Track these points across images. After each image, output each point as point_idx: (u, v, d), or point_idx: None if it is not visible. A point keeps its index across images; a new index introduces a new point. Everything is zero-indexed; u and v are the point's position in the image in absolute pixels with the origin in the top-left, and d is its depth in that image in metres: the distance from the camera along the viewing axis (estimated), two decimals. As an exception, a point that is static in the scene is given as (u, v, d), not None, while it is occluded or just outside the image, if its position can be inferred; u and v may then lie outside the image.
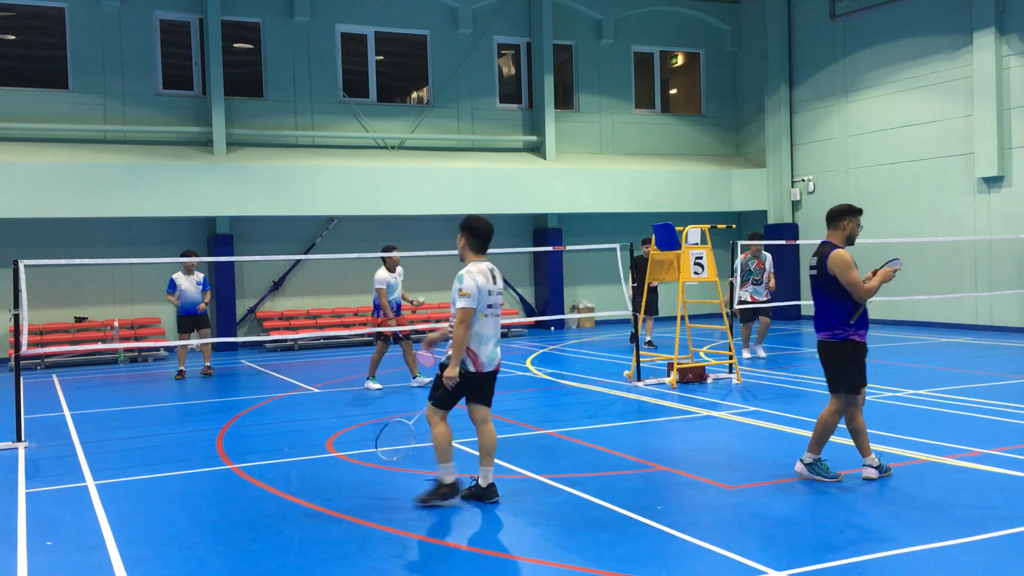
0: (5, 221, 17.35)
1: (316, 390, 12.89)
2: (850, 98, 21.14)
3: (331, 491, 7.19)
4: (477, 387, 6.67)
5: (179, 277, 14.64)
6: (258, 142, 19.59)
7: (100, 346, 13.53)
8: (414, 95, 21.84)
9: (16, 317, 9.50)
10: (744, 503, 6.59)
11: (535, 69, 21.79)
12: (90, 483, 7.69)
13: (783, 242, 16.09)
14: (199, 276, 14.85)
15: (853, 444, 7.23)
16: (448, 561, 5.62)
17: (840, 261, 6.87)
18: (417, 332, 15.21)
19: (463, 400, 6.77)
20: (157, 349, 17.80)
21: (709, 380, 12.33)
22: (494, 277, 6.71)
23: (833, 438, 7.41)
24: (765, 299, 14.58)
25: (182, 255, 14.72)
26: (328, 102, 20.21)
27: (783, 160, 22.63)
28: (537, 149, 21.88)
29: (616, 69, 22.92)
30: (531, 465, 7.81)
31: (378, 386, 12.74)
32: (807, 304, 19.34)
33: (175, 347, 16.13)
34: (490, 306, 6.64)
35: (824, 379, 7.19)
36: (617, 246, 13.90)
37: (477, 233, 6.74)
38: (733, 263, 14.79)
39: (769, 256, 14.79)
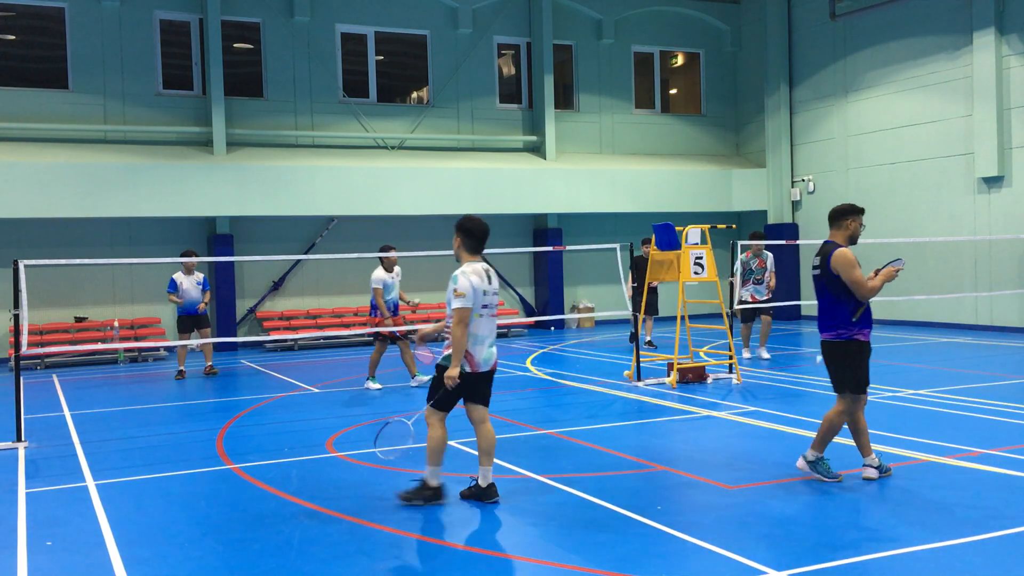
0: (5, 221, 17.35)
1: (316, 390, 12.89)
2: (850, 98, 21.14)
3: (331, 491, 7.19)
4: (474, 387, 6.68)
5: (179, 277, 14.64)
6: (258, 142, 19.59)
7: (100, 346, 13.53)
8: (414, 95, 21.84)
9: (16, 317, 9.49)
10: (744, 503, 6.59)
11: (535, 69, 21.79)
12: (90, 483, 7.69)
13: (783, 242, 16.08)
14: (199, 276, 14.85)
15: (854, 444, 7.23)
16: (448, 561, 5.62)
17: (843, 259, 6.87)
18: (415, 332, 15.18)
19: (461, 401, 6.78)
20: (157, 349, 17.80)
21: (709, 380, 12.33)
22: (489, 277, 6.72)
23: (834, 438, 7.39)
24: (766, 299, 14.57)
25: (182, 255, 14.73)
26: (328, 102, 20.21)
27: (783, 160, 22.62)
28: (537, 149, 21.88)
29: (616, 69, 22.92)
30: (531, 465, 7.81)
31: (378, 386, 12.74)
32: (807, 304, 19.35)
33: (175, 347, 16.13)
34: (485, 306, 6.64)
35: (826, 379, 7.19)
36: (617, 246, 13.90)
37: (472, 234, 6.74)
38: (733, 263, 14.79)
39: (771, 255, 14.78)
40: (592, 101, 22.69)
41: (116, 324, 17.72)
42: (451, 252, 7.05)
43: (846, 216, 7.13)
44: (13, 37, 18.69)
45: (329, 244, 20.01)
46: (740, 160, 23.82)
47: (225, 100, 18.93)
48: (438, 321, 7.04)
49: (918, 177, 19.65)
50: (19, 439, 9.38)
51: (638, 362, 12.50)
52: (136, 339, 17.90)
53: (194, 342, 14.35)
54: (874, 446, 7.31)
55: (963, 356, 14.73)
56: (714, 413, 10.14)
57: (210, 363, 14.97)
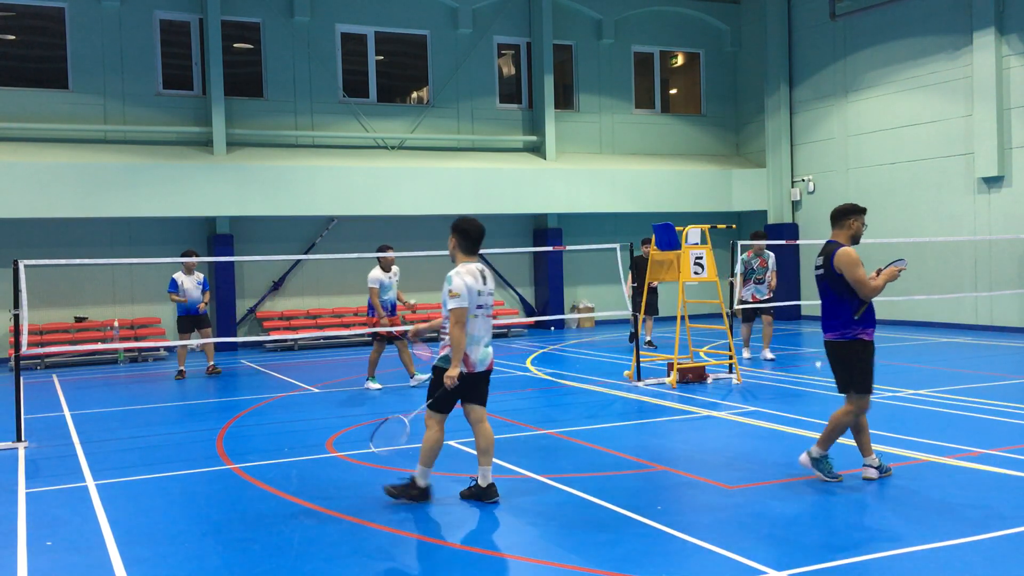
0: (5, 221, 17.35)
1: (316, 390, 12.89)
2: (850, 98, 21.14)
3: (331, 491, 7.19)
4: (470, 387, 6.69)
5: (180, 277, 14.64)
6: (258, 142, 19.59)
7: (100, 346, 13.53)
8: (414, 95, 21.84)
9: (16, 317, 9.49)
10: (744, 503, 6.59)
11: (535, 69, 21.79)
12: (90, 483, 7.69)
13: (783, 242, 16.08)
14: (199, 276, 14.86)
15: (854, 444, 7.23)
16: (448, 561, 5.62)
17: (847, 258, 6.88)
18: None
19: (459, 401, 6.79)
20: (157, 349, 17.80)
21: (709, 380, 12.33)
22: (484, 278, 6.73)
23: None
24: (767, 298, 14.53)
25: (183, 255, 14.73)
26: (328, 102, 20.21)
27: (783, 160, 22.63)
28: (537, 149, 21.88)
29: (616, 69, 22.92)
30: (531, 465, 7.81)
31: (378, 386, 12.74)
32: (807, 304, 19.36)
33: (175, 347, 16.13)
34: (480, 307, 6.66)
35: (826, 379, 7.19)
36: (617, 246, 13.90)
37: (468, 235, 6.75)
38: (733, 263, 14.78)
39: (772, 255, 14.74)
40: (592, 101, 22.69)
41: (116, 324, 17.72)
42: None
43: (848, 216, 7.13)
44: (13, 37, 18.69)
45: (329, 244, 20.01)
46: (740, 160, 23.82)
47: (225, 100, 18.93)
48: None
49: (918, 177, 19.65)
50: (19, 439, 9.38)
51: (638, 362, 12.50)
52: (136, 339, 17.90)
53: (194, 342, 14.35)
54: (874, 446, 7.31)
55: (963, 356, 14.73)
56: (714, 413, 10.14)
57: (212, 363, 14.98)
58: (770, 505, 6.48)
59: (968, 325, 18.73)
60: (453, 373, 6.48)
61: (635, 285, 14.21)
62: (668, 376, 12.25)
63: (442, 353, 6.65)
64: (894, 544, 5.57)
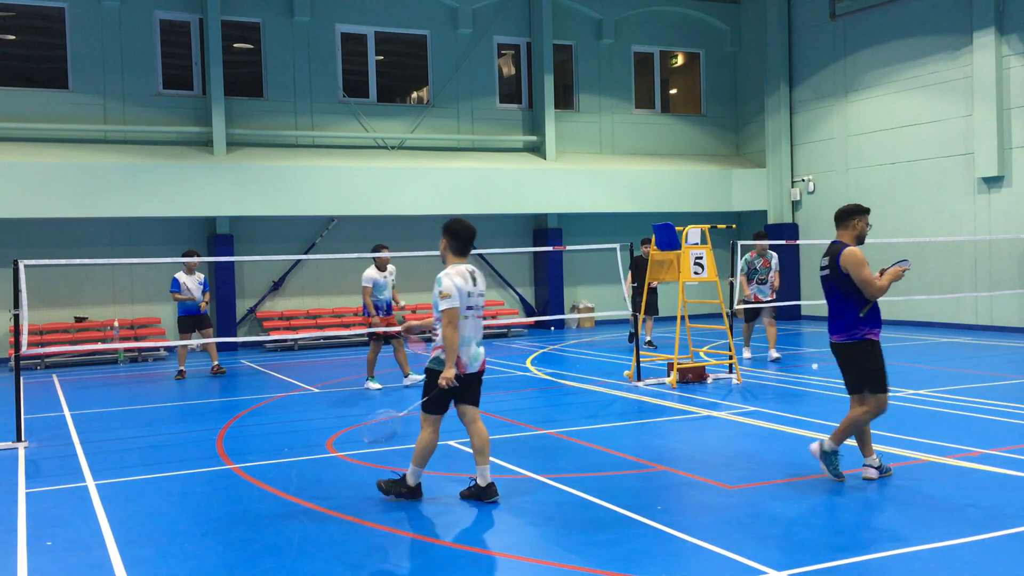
0: (5, 221, 17.35)
1: (316, 390, 12.89)
2: (850, 98, 21.14)
3: (331, 491, 7.19)
4: (463, 388, 6.70)
5: (182, 276, 14.64)
6: (258, 142, 19.60)
7: (100, 346, 13.53)
8: (414, 95, 21.84)
9: (16, 317, 9.50)
10: (744, 503, 6.59)
11: (535, 69, 21.79)
12: (90, 483, 7.69)
13: (783, 242, 16.07)
14: (200, 276, 14.86)
15: (854, 443, 7.23)
16: (448, 561, 5.62)
17: (853, 258, 6.87)
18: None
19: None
20: (157, 349, 17.80)
21: (709, 380, 12.33)
22: (474, 279, 6.75)
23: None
24: (769, 299, 14.49)
25: (184, 255, 14.73)
26: (328, 102, 20.21)
27: (783, 160, 22.63)
28: (537, 149, 21.88)
29: (616, 69, 22.92)
30: (531, 465, 7.81)
31: (378, 386, 12.74)
32: (807, 304, 19.38)
33: (175, 347, 16.13)
34: (470, 308, 6.67)
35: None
36: (617, 246, 13.90)
37: (458, 236, 6.78)
38: (733, 263, 14.77)
39: (775, 255, 14.69)
40: (592, 101, 22.69)
41: (116, 324, 17.72)
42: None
43: (852, 216, 7.13)
44: (13, 37, 18.69)
45: (329, 244, 20.01)
46: (740, 160, 23.82)
47: (225, 100, 18.93)
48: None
49: (918, 177, 19.65)
50: (19, 439, 9.38)
51: (638, 362, 12.50)
52: (136, 339, 17.90)
53: (194, 342, 14.35)
54: (875, 446, 7.31)
55: (963, 356, 14.73)
56: (714, 413, 10.14)
57: (216, 362, 14.99)
58: (770, 505, 6.48)
59: (968, 325, 18.73)
60: (448, 374, 6.49)
61: (635, 285, 14.22)
62: (668, 376, 12.25)
63: (434, 354, 6.67)
64: (895, 544, 5.57)
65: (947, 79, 18.94)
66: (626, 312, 13.90)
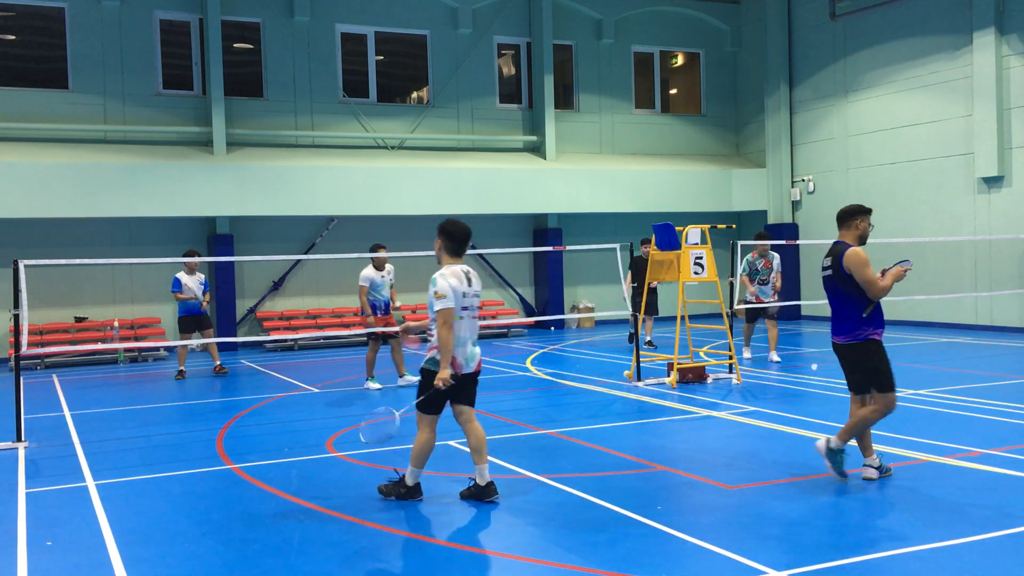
0: (5, 221, 17.35)
1: (316, 390, 12.90)
2: (850, 98, 21.14)
3: (331, 491, 7.19)
4: (459, 388, 6.70)
5: (183, 276, 14.64)
6: (258, 142, 19.60)
7: (100, 346, 13.53)
8: (414, 95, 21.84)
9: (16, 317, 9.50)
10: (744, 503, 6.59)
11: (535, 69, 21.79)
12: (90, 483, 7.69)
13: (783, 242, 16.07)
14: (200, 276, 14.86)
15: (855, 444, 7.23)
16: (448, 561, 5.62)
17: (856, 258, 6.87)
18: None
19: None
20: (157, 349, 17.80)
21: (709, 380, 12.33)
22: (469, 279, 6.76)
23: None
24: (771, 300, 14.45)
25: (185, 255, 14.72)
26: (328, 102, 20.21)
27: (783, 160, 22.63)
28: (537, 149, 21.88)
29: (616, 69, 22.92)
30: (531, 465, 7.81)
31: (378, 386, 12.75)
32: (807, 304, 19.37)
33: (175, 347, 16.14)
34: (465, 308, 6.68)
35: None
36: (617, 246, 13.90)
37: (453, 236, 6.80)
38: (733, 263, 14.75)
39: (777, 256, 14.63)
40: (592, 101, 22.69)
41: (116, 324, 17.72)
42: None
43: (855, 216, 7.13)
44: (13, 37, 18.69)
45: (329, 244, 20.01)
46: (740, 160, 23.82)
47: (225, 100, 18.93)
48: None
49: (918, 177, 19.65)
50: (19, 439, 9.39)
51: (638, 362, 12.50)
52: (136, 339, 17.90)
53: (195, 342, 14.35)
54: (875, 446, 7.32)
55: (963, 356, 14.73)
56: (714, 413, 10.14)
57: (219, 362, 14.99)
58: (770, 505, 6.48)
59: (968, 325, 18.73)
60: (444, 375, 6.50)
61: (635, 285, 14.22)
62: (668, 376, 12.25)
63: (429, 355, 6.67)
64: (895, 544, 5.57)
65: (947, 79, 18.94)
66: (626, 312, 13.90)
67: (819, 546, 5.59)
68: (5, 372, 14.93)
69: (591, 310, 21.80)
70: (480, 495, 6.70)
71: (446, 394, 6.67)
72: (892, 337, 17.35)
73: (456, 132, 21.32)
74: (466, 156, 21.01)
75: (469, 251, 7.19)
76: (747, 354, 14.67)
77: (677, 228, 12.27)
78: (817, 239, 20.21)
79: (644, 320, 16.26)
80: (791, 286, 21.52)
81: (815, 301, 15.49)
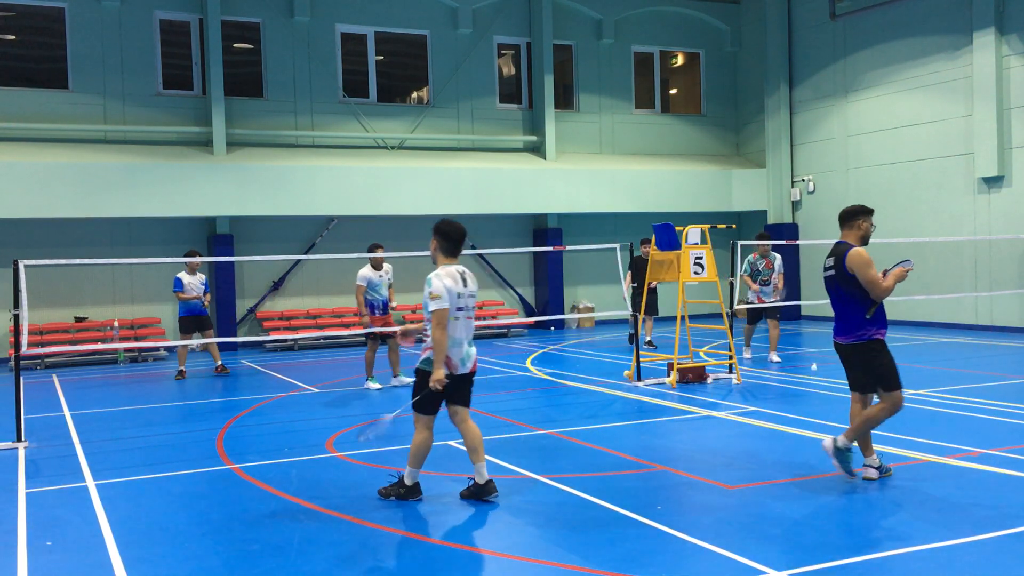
0: (5, 221, 17.35)
1: (316, 390, 12.89)
2: (850, 98, 21.14)
3: (331, 491, 7.19)
4: (453, 389, 6.71)
5: (185, 276, 14.63)
6: (258, 142, 19.60)
7: (100, 346, 13.53)
8: (414, 95, 21.84)
9: (16, 317, 9.49)
10: (744, 503, 6.59)
11: (535, 69, 21.79)
12: (90, 483, 7.69)
13: (783, 242, 16.07)
14: (201, 277, 14.86)
15: (855, 444, 7.22)
16: (448, 561, 5.62)
17: (859, 259, 6.88)
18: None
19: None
20: (157, 349, 17.80)
21: (709, 380, 12.33)
22: (464, 280, 6.75)
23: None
24: (773, 300, 14.41)
25: (186, 255, 14.71)
26: (328, 102, 20.21)
27: (783, 160, 22.63)
28: (537, 149, 21.88)
29: (616, 69, 22.92)
30: (531, 465, 7.81)
31: (378, 386, 12.75)
32: (808, 304, 19.34)
33: (175, 347, 16.13)
34: (460, 308, 6.68)
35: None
36: (617, 246, 13.90)
37: (449, 236, 6.79)
38: (733, 263, 14.74)
39: (779, 257, 14.58)
40: (592, 101, 22.69)
41: (116, 324, 17.72)
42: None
43: (857, 216, 7.14)
44: (13, 37, 18.69)
45: (329, 244, 20.01)
46: (740, 160, 23.82)
47: (225, 100, 18.93)
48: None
49: (918, 177, 19.65)
50: (19, 439, 9.38)
51: (638, 362, 12.50)
52: (136, 339, 17.90)
53: (195, 342, 14.35)
54: (875, 446, 7.31)
55: (963, 356, 14.73)
56: (714, 413, 10.14)
57: (220, 362, 14.99)
58: (770, 505, 6.48)
59: (968, 325, 18.73)
60: (438, 376, 6.50)
61: (635, 285, 14.22)
62: (668, 376, 12.25)
63: (424, 355, 6.68)
64: (895, 544, 5.57)
65: (947, 79, 18.94)
66: (626, 312, 13.90)
67: (819, 546, 5.59)
68: (5, 372, 14.93)
69: (591, 310, 21.80)
70: (479, 493, 6.71)
71: (442, 394, 6.68)
72: (892, 337, 17.28)
73: (456, 132, 21.33)
74: (466, 156, 21.01)
75: (469, 251, 7.21)
76: (747, 354, 14.66)
77: (677, 228, 12.27)
78: (817, 239, 20.21)
79: (644, 320, 16.25)
80: (792, 286, 21.50)
81: (815, 301, 15.49)
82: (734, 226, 15.31)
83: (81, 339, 17.39)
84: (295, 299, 19.94)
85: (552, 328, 21.70)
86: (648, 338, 16.63)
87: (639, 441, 8.87)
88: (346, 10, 20.41)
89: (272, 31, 19.77)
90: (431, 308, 6.54)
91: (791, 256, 21.84)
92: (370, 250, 12.86)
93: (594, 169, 21.56)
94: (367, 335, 13.08)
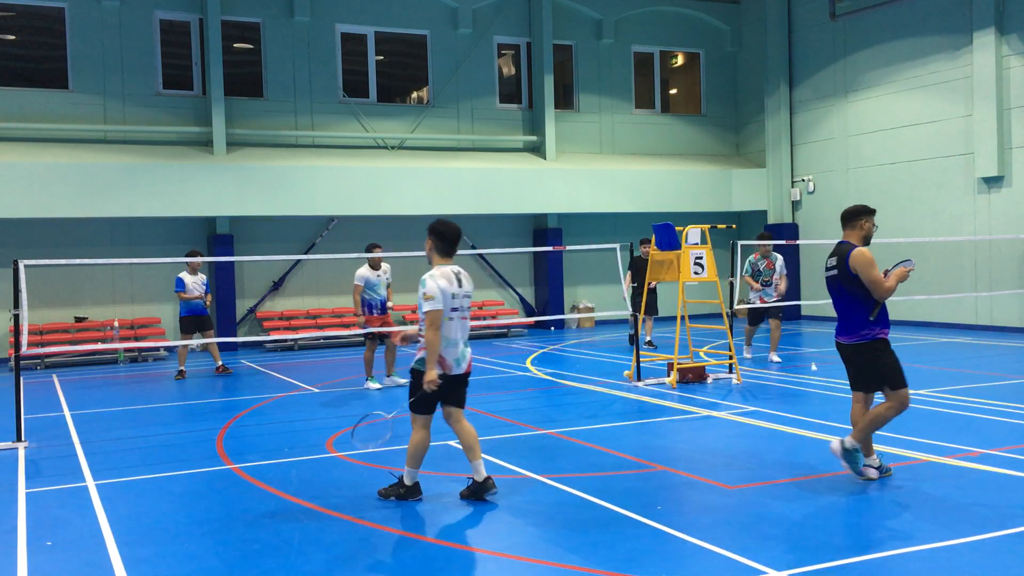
0: (5, 221, 17.35)
1: (316, 390, 12.89)
2: (850, 98, 21.14)
3: (330, 491, 7.19)
4: (448, 389, 6.71)
5: (186, 276, 14.63)
6: (258, 142, 19.60)
7: (100, 346, 13.52)
8: (414, 95, 21.84)
9: (16, 317, 9.49)
10: (744, 503, 6.59)
11: (535, 69, 21.79)
12: (90, 483, 7.69)
13: (783, 242, 16.06)
14: (202, 277, 14.86)
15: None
16: (448, 561, 5.62)
17: (863, 259, 6.88)
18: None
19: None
20: (157, 349, 17.80)
21: (709, 380, 12.33)
22: (459, 280, 6.75)
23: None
24: (774, 301, 14.39)
25: (187, 255, 14.71)
26: (328, 102, 20.21)
27: (783, 160, 22.63)
28: (537, 149, 21.88)
29: (616, 69, 22.92)
30: (531, 465, 7.81)
31: (377, 385, 12.75)
32: (808, 304, 19.32)
33: (175, 347, 16.13)
34: (455, 309, 6.67)
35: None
36: (617, 246, 13.89)
37: (444, 237, 6.79)
38: (733, 263, 14.74)
39: (780, 258, 14.55)
40: (592, 101, 22.69)
41: (116, 324, 17.72)
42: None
43: (859, 216, 7.15)
44: (13, 37, 18.69)
45: (329, 244, 20.01)
46: (740, 160, 23.82)
47: (225, 100, 18.93)
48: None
49: (918, 177, 19.65)
50: (19, 439, 9.38)
51: (638, 362, 12.50)
52: (136, 339, 17.90)
53: (195, 342, 14.35)
54: (875, 446, 7.31)
55: (963, 356, 14.73)
56: (714, 413, 10.14)
57: (221, 362, 14.99)
58: (770, 505, 6.48)
59: (968, 325, 18.73)
60: (431, 377, 6.50)
61: (635, 285, 14.22)
62: (668, 376, 12.25)
63: (418, 356, 6.68)
64: (895, 544, 5.57)
65: (947, 79, 18.94)
66: (626, 312, 13.90)
67: (819, 546, 5.58)
68: (5, 372, 14.93)
69: (591, 310, 21.80)
70: (479, 491, 6.71)
71: (437, 395, 6.68)
72: (893, 337, 17.26)
73: (456, 132, 21.32)
74: (466, 156, 21.01)
75: (469, 251, 7.21)
76: (747, 354, 14.65)
77: (677, 228, 12.27)
78: (817, 239, 20.21)
79: (644, 320, 16.25)
80: (792, 286, 21.49)
81: (815, 301, 15.48)
82: (734, 226, 15.30)
83: (81, 339, 17.39)
84: (295, 299, 19.94)
85: (552, 328, 21.70)
86: (648, 338, 16.63)
87: (639, 441, 8.87)
88: (346, 10, 20.41)
89: (272, 31, 19.77)
90: (425, 309, 6.54)
91: (791, 256, 21.82)
92: (368, 250, 12.87)
93: (594, 169, 21.56)
94: (366, 335, 13.08)
